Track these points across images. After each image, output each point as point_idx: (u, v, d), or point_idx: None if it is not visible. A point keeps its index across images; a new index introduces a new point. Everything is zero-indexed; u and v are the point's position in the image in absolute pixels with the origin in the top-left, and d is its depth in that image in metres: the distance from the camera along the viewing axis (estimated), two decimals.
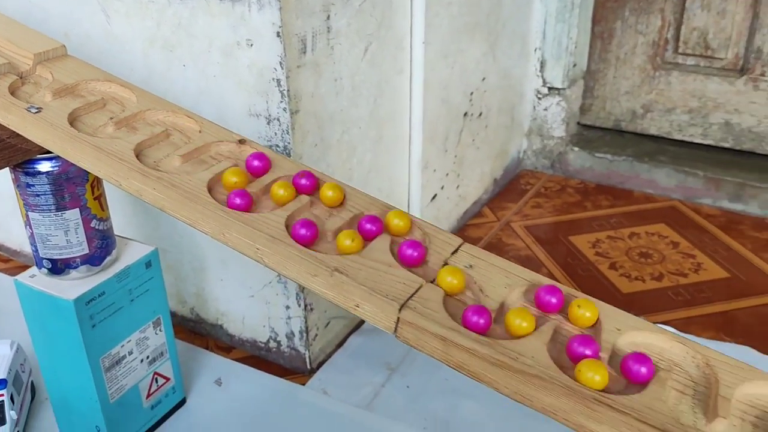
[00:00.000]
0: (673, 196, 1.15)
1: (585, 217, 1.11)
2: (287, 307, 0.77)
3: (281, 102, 0.65)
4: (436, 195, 0.99)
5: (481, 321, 0.38)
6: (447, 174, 1.01)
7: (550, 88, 1.20)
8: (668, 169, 1.14)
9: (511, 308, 0.41)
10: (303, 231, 0.43)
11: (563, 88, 1.19)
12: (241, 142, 0.51)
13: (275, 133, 0.67)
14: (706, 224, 1.07)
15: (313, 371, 0.80)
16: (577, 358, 0.38)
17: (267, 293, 0.78)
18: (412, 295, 0.41)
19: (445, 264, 0.44)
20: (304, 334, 0.78)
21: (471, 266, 0.44)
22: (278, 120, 0.67)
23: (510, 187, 1.22)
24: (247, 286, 0.79)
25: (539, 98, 1.21)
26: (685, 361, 0.40)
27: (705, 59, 1.13)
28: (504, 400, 0.75)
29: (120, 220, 0.80)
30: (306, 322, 0.77)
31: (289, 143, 0.67)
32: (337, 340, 0.84)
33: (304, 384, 0.78)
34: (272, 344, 0.81)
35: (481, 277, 0.44)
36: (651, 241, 1.04)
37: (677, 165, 1.14)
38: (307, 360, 0.80)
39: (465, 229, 1.08)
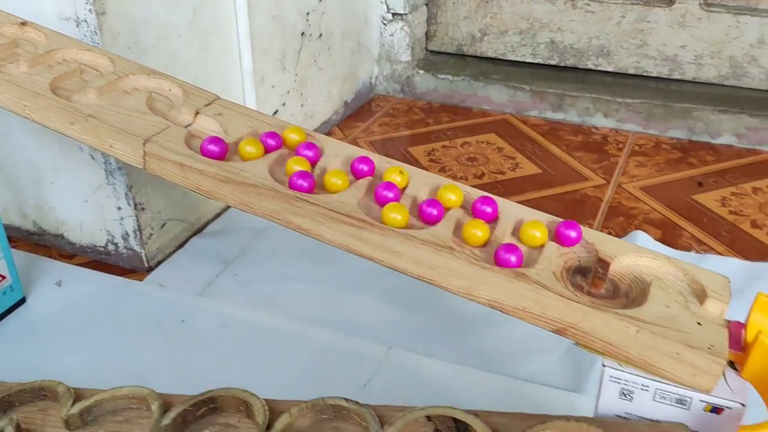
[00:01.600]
0: (505, 110, 1.25)
1: (425, 132, 1.20)
2: (119, 208, 0.82)
3: (86, 3, 0.70)
4: (277, 111, 1.05)
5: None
6: (288, 92, 1.07)
7: (393, 14, 1.27)
8: (500, 86, 1.24)
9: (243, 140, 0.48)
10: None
11: (406, 14, 1.27)
12: (23, 24, 0.55)
13: (85, 35, 0.71)
14: (530, 132, 1.18)
15: (151, 269, 0.86)
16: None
17: (99, 197, 0.83)
18: (158, 134, 0.47)
19: (197, 113, 0.51)
20: (138, 234, 0.83)
21: (220, 114, 0.51)
22: (86, 22, 0.71)
23: (361, 109, 1.30)
24: (80, 192, 0.83)
25: (385, 24, 1.29)
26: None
27: None
28: (324, 282, 0.83)
29: None
30: (138, 221, 0.83)
31: (99, 44, 0.71)
32: (177, 242, 0.90)
33: (141, 281, 0.84)
34: (110, 247, 0.86)
35: (227, 122, 0.50)
36: (479, 148, 1.14)
37: (508, 82, 1.24)
38: (144, 259, 0.85)
39: None
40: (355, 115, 1.27)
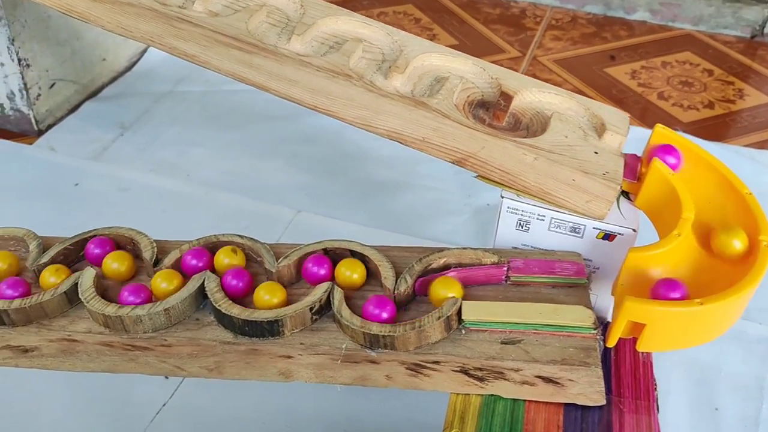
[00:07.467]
0: None
1: (341, 1, 1.14)
2: (2, 65, 0.75)
3: None
4: None
5: None
6: None
7: None
8: None
9: None
10: None
11: None
12: None
13: None
14: (449, 4, 1.15)
15: (41, 133, 0.80)
16: None
17: None
18: None
19: None
20: (25, 93, 0.77)
21: None
22: None
23: None
24: None
25: None
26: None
27: None
28: (230, 148, 0.80)
29: None
30: (24, 79, 0.76)
31: None
32: (69, 105, 0.83)
33: (31, 145, 0.78)
34: None
35: None
36: (396, 19, 1.09)
37: None
38: (33, 121, 0.79)
39: None
40: None
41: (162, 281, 0.37)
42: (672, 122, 0.88)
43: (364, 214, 0.72)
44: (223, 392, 0.53)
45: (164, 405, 0.52)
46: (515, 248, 0.41)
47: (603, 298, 0.39)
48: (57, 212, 0.69)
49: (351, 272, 0.38)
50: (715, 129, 0.88)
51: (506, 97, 0.42)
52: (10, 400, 0.52)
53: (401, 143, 0.40)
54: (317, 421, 0.53)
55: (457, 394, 0.35)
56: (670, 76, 0.98)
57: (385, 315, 0.35)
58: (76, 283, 0.38)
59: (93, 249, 0.40)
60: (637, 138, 0.85)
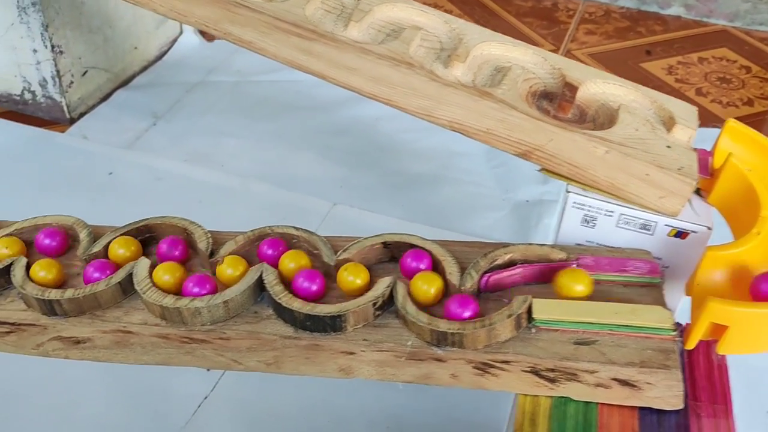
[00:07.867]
0: None
1: None
2: (35, 51, 0.74)
3: None
4: None
5: None
6: None
7: None
8: None
9: None
10: None
11: None
12: None
13: None
14: None
15: (73, 121, 0.79)
16: None
17: (12, 37, 0.74)
18: None
19: None
20: (58, 80, 0.76)
21: None
22: None
23: None
24: None
25: None
26: None
27: None
28: (263, 139, 0.78)
29: None
30: (57, 66, 0.75)
31: None
32: (101, 94, 0.83)
33: (63, 133, 0.78)
34: (27, 95, 0.78)
35: None
36: None
37: None
38: (65, 108, 0.78)
39: None
40: None
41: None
42: (711, 119, 0.87)
43: (400, 207, 0.71)
44: (265, 386, 0.53)
45: (206, 398, 0.52)
46: (579, 245, 0.39)
47: (671, 298, 0.38)
48: (92, 201, 0.69)
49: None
50: (756, 127, 0.86)
51: (570, 88, 0.41)
52: (51, 391, 0.51)
53: (463, 134, 0.39)
54: (360, 417, 0.52)
55: (525, 395, 0.34)
56: (707, 72, 0.96)
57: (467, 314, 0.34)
58: (131, 274, 0.37)
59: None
60: None
